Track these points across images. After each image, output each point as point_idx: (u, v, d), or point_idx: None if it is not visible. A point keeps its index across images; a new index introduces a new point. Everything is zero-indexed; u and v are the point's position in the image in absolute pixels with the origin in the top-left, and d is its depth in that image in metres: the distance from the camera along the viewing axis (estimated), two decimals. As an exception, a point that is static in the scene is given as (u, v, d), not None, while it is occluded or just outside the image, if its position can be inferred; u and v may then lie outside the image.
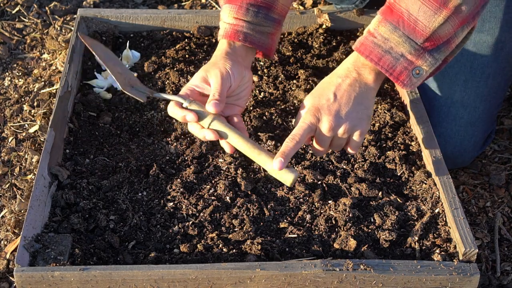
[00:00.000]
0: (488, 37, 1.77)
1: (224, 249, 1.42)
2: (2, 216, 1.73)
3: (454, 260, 1.40)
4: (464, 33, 1.44)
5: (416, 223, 1.49)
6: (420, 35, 1.40)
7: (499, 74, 1.80)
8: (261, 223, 1.50)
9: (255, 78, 1.90)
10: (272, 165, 1.40)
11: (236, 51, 1.56)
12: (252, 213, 1.51)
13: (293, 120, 1.71)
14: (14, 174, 1.84)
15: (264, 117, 1.77)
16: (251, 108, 1.79)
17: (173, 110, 1.47)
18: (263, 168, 1.61)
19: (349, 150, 1.51)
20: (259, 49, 1.59)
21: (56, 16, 2.40)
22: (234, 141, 1.45)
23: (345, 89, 1.45)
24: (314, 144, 1.48)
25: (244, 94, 1.55)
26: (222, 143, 1.49)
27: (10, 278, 1.58)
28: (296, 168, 1.62)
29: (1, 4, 2.45)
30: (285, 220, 1.50)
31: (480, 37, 1.77)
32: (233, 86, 1.50)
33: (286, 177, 1.41)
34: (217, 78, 1.47)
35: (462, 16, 1.39)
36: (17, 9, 2.43)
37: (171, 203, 1.53)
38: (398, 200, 1.54)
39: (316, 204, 1.54)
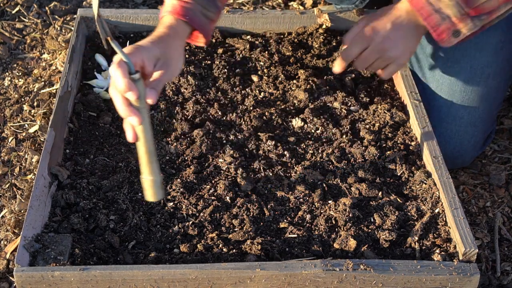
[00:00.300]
0: (488, 37, 1.77)
1: (224, 249, 1.42)
2: (2, 216, 1.73)
3: (454, 260, 1.40)
4: (507, 8, 1.58)
5: (416, 223, 1.49)
6: (469, 4, 1.55)
7: (499, 74, 1.80)
8: (261, 223, 1.50)
9: (255, 78, 1.90)
10: (149, 176, 1.38)
11: (180, 30, 1.53)
12: (252, 213, 1.51)
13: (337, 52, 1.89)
14: (14, 174, 1.84)
15: (264, 117, 1.77)
16: (251, 108, 1.79)
17: (118, 74, 1.31)
18: (263, 168, 1.62)
19: (383, 74, 1.73)
20: (201, 32, 1.58)
21: (56, 16, 2.40)
22: (142, 135, 1.36)
23: (400, 23, 1.64)
24: (359, 58, 1.69)
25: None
26: (129, 128, 1.38)
27: (10, 278, 1.58)
28: (296, 168, 1.62)
29: (1, 4, 2.45)
30: (285, 220, 1.50)
31: (481, 38, 1.77)
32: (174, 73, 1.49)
33: (152, 193, 1.41)
34: (168, 71, 1.43)
35: None
36: (17, 9, 2.43)
37: (171, 203, 1.53)
38: (398, 200, 1.54)
39: (316, 204, 1.54)
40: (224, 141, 1.69)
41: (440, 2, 1.57)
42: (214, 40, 2.04)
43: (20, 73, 2.17)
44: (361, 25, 1.68)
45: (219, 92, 1.84)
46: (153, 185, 1.40)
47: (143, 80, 1.36)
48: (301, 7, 2.44)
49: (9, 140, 1.94)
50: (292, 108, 1.81)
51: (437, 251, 1.43)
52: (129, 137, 1.37)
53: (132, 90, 1.32)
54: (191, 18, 1.55)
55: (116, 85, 1.32)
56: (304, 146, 1.69)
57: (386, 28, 1.64)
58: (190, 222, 1.48)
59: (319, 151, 1.67)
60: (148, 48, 1.41)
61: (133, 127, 1.36)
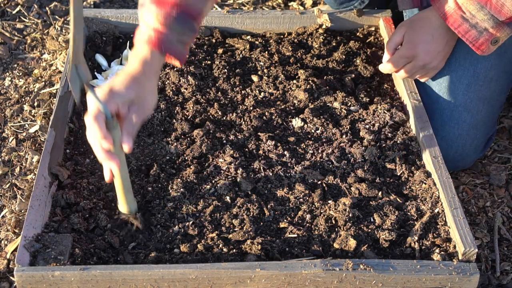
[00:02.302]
0: None
1: (224, 249, 1.42)
2: (3, 216, 1.73)
3: (454, 260, 1.40)
4: None
5: (415, 223, 1.49)
6: (504, 15, 1.61)
7: (502, 77, 1.80)
8: (261, 223, 1.50)
9: (255, 78, 1.90)
10: (124, 206, 1.47)
11: (154, 62, 1.48)
12: (252, 213, 1.51)
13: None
14: (15, 174, 1.84)
15: (264, 117, 1.77)
16: (251, 108, 1.79)
17: (95, 126, 1.35)
18: (263, 168, 1.62)
19: (422, 79, 1.82)
20: (177, 58, 1.51)
21: (57, 16, 2.41)
22: (117, 175, 1.42)
23: (439, 35, 1.72)
24: (401, 72, 1.78)
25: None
26: (107, 169, 1.42)
27: (11, 278, 1.59)
28: (295, 168, 1.62)
29: (2, 4, 2.45)
30: (285, 220, 1.51)
31: None
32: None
33: (125, 208, 1.48)
34: (141, 112, 1.43)
35: None
36: (17, 9, 2.43)
37: (171, 203, 1.53)
38: (398, 200, 1.55)
39: (316, 204, 1.54)
40: (224, 141, 1.69)
41: (475, 18, 1.63)
42: (214, 40, 2.04)
43: (20, 73, 2.17)
44: (400, 34, 1.76)
45: (219, 92, 1.85)
46: (128, 213, 1.49)
47: (118, 124, 1.39)
48: (301, 7, 2.44)
49: (10, 140, 1.94)
50: (292, 108, 1.81)
51: (437, 251, 1.43)
52: (106, 178, 1.42)
53: (108, 139, 1.35)
54: (167, 48, 1.48)
55: (94, 135, 1.36)
56: (304, 146, 1.69)
57: (427, 41, 1.72)
58: (190, 222, 1.49)
59: (319, 151, 1.68)
60: (122, 94, 1.40)
61: (110, 169, 1.41)
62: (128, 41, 1.99)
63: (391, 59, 1.78)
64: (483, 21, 1.63)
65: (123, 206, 1.48)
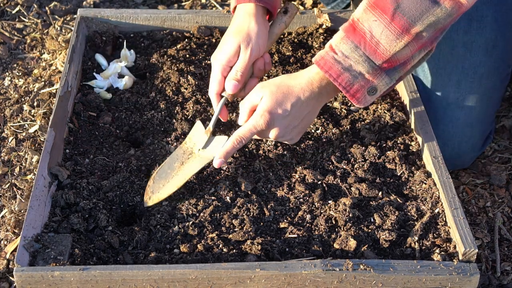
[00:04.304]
0: (476, 36, 1.75)
1: (224, 249, 1.42)
2: (2, 216, 1.73)
3: (454, 260, 1.40)
4: (421, 55, 1.49)
5: (416, 223, 1.49)
6: (380, 57, 1.45)
7: (493, 73, 1.79)
8: (261, 223, 1.50)
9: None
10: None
11: (254, 12, 1.67)
12: (252, 213, 1.51)
13: (240, 103, 1.61)
14: (14, 174, 1.84)
15: (264, 117, 1.77)
16: (251, 108, 1.79)
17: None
18: (263, 168, 1.61)
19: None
20: (270, 8, 1.69)
21: (56, 16, 2.41)
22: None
23: (301, 106, 1.52)
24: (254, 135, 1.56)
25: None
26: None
27: (10, 278, 1.59)
28: (295, 168, 1.62)
29: (1, 4, 2.45)
30: (285, 220, 1.50)
31: (468, 37, 1.76)
32: (261, 51, 1.66)
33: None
34: (245, 53, 1.62)
35: (421, 41, 1.45)
36: (17, 9, 2.43)
37: (171, 203, 1.53)
38: (398, 200, 1.54)
39: (316, 204, 1.54)
40: (224, 141, 1.69)
41: (349, 59, 1.46)
42: (214, 40, 2.04)
43: (20, 73, 2.17)
44: (258, 96, 1.53)
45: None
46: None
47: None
48: (301, 7, 2.44)
49: (9, 140, 1.94)
50: (292, 108, 1.81)
51: (437, 251, 1.43)
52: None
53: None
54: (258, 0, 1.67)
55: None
56: (304, 146, 1.69)
57: (285, 116, 1.51)
58: (190, 222, 1.48)
59: (319, 151, 1.67)
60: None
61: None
62: (125, 41, 1.99)
63: (242, 120, 1.57)
64: (358, 63, 1.45)
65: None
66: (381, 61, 1.45)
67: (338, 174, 1.61)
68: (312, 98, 1.53)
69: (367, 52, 1.45)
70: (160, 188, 1.54)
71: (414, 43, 1.44)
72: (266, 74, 1.87)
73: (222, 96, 1.65)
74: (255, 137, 1.57)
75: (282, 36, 2.07)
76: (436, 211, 1.51)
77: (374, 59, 1.45)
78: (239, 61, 1.64)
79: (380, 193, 1.56)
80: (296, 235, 1.46)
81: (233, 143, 1.53)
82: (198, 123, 1.64)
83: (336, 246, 1.44)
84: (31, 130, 1.96)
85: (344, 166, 1.63)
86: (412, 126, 1.74)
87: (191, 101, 1.81)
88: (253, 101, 1.54)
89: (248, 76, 1.69)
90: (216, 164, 1.53)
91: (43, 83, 2.12)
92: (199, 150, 1.60)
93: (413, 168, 1.63)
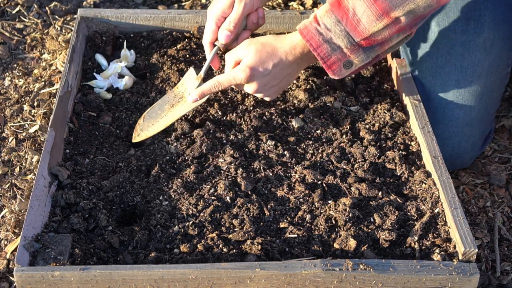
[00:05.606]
0: (474, 36, 1.75)
1: (224, 249, 1.42)
2: (2, 216, 1.73)
3: (454, 260, 1.40)
4: (399, 38, 1.57)
5: (416, 223, 1.49)
6: (359, 35, 1.53)
7: (492, 72, 1.79)
8: (261, 223, 1.50)
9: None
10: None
11: None
12: (252, 213, 1.51)
13: (226, 55, 1.69)
14: (14, 174, 1.84)
15: (264, 117, 1.77)
16: (251, 108, 1.79)
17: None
18: (263, 168, 1.61)
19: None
20: None
21: (56, 16, 2.41)
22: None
23: (282, 67, 1.62)
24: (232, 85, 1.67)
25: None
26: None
27: (10, 278, 1.59)
28: (295, 168, 1.62)
29: (1, 4, 2.45)
30: (285, 220, 1.51)
31: (466, 36, 1.76)
32: (255, 5, 1.70)
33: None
34: (239, 5, 1.67)
35: (400, 25, 1.53)
36: (17, 9, 2.43)
37: (171, 203, 1.53)
38: (398, 200, 1.54)
39: (316, 204, 1.54)
40: (224, 141, 1.69)
41: (330, 32, 1.54)
42: (214, 40, 2.04)
43: (20, 73, 2.17)
44: (242, 52, 1.63)
45: (219, 92, 1.84)
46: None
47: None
48: (301, 7, 2.44)
49: (9, 140, 1.94)
50: (292, 108, 1.81)
51: (437, 251, 1.43)
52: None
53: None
54: None
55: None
56: (304, 146, 1.69)
57: (264, 74, 1.61)
58: (190, 222, 1.49)
59: (319, 151, 1.67)
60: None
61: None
62: (125, 41, 1.99)
63: (219, 77, 1.66)
64: (338, 37, 1.54)
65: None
66: (359, 38, 1.53)
67: (338, 174, 1.61)
68: (293, 61, 1.62)
69: (348, 28, 1.53)
70: (149, 126, 1.69)
71: (392, 26, 1.52)
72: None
73: (215, 45, 1.74)
74: (233, 87, 1.71)
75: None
76: (436, 211, 1.51)
77: (354, 36, 1.53)
78: (232, 12, 1.71)
79: (380, 193, 1.56)
80: (296, 235, 1.46)
81: (210, 86, 1.66)
82: (191, 70, 1.74)
83: (336, 246, 1.44)
84: (31, 130, 1.96)
85: (344, 166, 1.63)
86: (412, 126, 1.74)
87: (191, 101, 1.81)
88: (239, 55, 1.64)
89: (241, 28, 1.76)
90: (190, 100, 1.68)
91: (43, 83, 2.12)
92: (189, 94, 1.70)
93: (413, 168, 1.63)
